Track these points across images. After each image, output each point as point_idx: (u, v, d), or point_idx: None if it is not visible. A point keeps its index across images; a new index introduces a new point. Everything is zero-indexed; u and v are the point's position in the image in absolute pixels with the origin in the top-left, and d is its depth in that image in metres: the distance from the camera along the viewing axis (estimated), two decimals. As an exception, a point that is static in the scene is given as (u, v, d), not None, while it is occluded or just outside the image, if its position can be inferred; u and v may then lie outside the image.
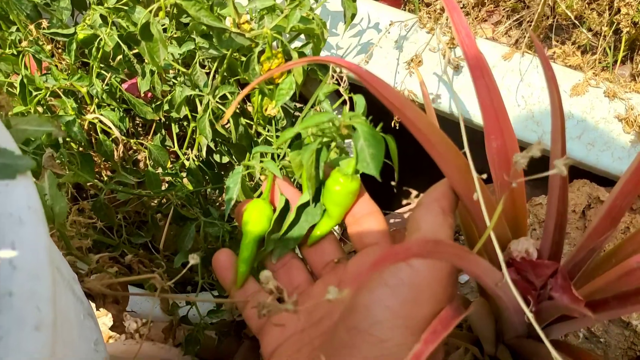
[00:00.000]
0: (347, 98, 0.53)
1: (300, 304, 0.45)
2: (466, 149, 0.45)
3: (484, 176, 0.44)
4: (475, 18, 0.84)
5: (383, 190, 1.15)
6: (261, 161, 0.52)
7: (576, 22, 0.74)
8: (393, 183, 1.19)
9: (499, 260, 0.39)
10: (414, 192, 1.24)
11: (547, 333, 0.46)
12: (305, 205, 0.49)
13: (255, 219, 0.48)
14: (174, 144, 0.70)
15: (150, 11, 0.48)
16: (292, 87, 0.53)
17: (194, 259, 0.47)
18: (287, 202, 0.50)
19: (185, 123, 0.76)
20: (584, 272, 0.49)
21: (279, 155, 0.57)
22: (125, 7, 0.59)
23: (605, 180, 0.69)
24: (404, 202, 1.26)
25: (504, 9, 0.86)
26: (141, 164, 0.83)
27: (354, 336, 0.37)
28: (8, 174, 0.29)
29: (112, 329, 0.51)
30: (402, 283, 0.37)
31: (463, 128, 0.47)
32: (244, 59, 0.59)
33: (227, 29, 0.50)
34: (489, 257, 0.48)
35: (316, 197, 0.49)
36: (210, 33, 0.59)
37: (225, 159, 0.75)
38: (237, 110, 0.57)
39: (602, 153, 0.65)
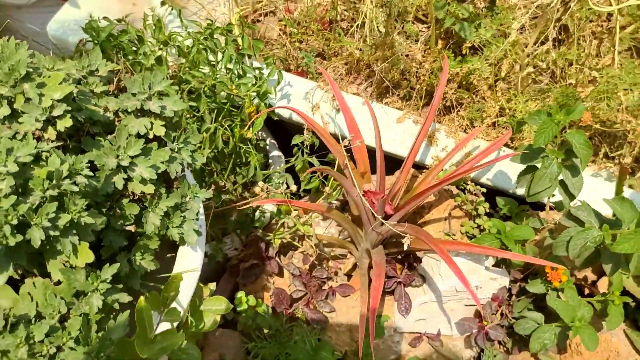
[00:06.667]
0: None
1: None
2: (342, 146, 1.05)
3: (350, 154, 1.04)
4: (347, 81, 1.48)
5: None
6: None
7: (399, 84, 1.40)
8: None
9: (358, 190, 1.00)
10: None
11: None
12: None
13: None
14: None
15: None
16: (261, 122, 1.11)
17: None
18: None
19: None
20: (397, 197, 1.11)
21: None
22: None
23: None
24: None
25: (362, 76, 1.50)
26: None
27: None
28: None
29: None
30: None
31: (340, 137, 1.08)
32: (231, 108, 1.16)
33: (232, 94, 1.07)
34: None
35: None
36: (212, 92, 1.16)
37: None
38: (230, 135, 1.13)
39: (400, 147, 1.30)
